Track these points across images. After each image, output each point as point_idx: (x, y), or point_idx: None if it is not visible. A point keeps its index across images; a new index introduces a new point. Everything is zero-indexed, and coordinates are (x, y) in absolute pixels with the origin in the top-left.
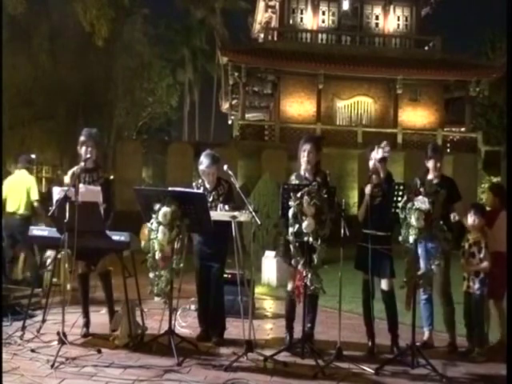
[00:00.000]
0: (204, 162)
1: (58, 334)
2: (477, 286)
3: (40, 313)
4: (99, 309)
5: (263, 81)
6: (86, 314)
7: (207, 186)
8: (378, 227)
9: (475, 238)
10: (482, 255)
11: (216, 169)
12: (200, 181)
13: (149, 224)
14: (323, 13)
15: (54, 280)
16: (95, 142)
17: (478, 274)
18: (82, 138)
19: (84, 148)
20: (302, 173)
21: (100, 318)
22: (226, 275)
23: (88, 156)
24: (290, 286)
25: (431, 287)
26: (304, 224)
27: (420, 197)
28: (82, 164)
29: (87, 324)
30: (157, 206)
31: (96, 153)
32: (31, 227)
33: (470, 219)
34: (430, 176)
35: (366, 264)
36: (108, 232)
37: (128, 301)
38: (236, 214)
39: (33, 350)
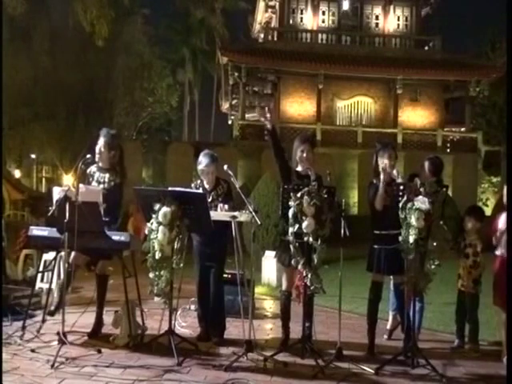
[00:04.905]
0: (203, 161)
1: (58, 333)
2: (471, 285)
3: (40, 313)
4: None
5: (263, 81)
6: (61, 298)
7: (206, 186)
8: (395, 226)
9: (471, 241)
10: (478, 259)
11: (215, 168)
12: (199, 181)
13: (149, 224)
14: (323, 13)
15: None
16: (106, 143)
17: (471, 273)
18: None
19: (96, 148)
20: (301, 169)
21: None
22: (225, 275)
23: (96, 157)
24: (284, 286)
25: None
26: (304, 224)
27: (420, 197)
28: (100, 163)
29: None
30: (157, 206)
31: (107, 154)
32: (31, 227)
33: (468, 223)
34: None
35: (383, 266)
36: (108, 232)
37: (128, 301)
38: (236, 214)
39: (33, 350)
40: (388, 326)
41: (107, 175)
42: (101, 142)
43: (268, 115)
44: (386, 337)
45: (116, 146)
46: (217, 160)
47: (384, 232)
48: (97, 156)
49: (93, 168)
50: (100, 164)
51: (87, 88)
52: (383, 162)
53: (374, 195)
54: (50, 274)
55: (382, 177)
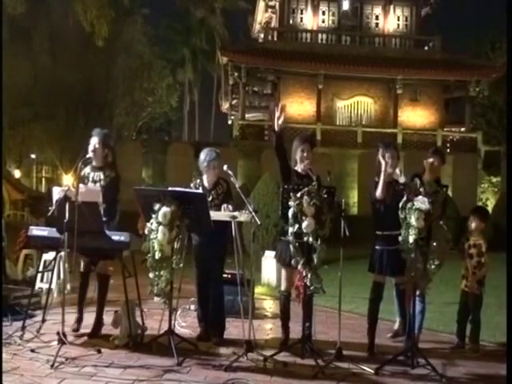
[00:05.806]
0: (208, 156)
1: (58, 333)
2: (475, 285)
3: (40, 313)
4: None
5: (263, 81)
6: (80, 312)
7: (206, 185)
8: (397, 227)
9: (475, 241)
10: (483, 259)
11: (219, 163)
12: (198, 181)
13: (149, 224)
14: (323, 13)
15: None
16: (100, 141)
17: (476, 273)
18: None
19: (89, 146)
20: (300, 169)
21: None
22: (225, 275)
23: (89, 154)
24: (283, 286)
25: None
26: (304, 224)
27: (420, 197)
28: (94, 162)
29: (79, 321)
30: (157, 206)
31: (101, 152)
32: (31, 227)
33: (472, 222)
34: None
35: (385, 266)
36: (108, 232)
37: (128, 301)
38: (236, 213)
39: (33, 350)
40: (395, 327)
41: (101, 173)
42: (94, 140)
43: (279, 114)
44: (390, 335)
45: (109, 144)
46: (220, 156)
47: (386, 232)
48: (91, 154)
49: (86, 169)
50: (94, 163)
51: (87, 88)
52: (385, 162)
53: (375, 189)
54: (50, 273)
55: (382, 170)
